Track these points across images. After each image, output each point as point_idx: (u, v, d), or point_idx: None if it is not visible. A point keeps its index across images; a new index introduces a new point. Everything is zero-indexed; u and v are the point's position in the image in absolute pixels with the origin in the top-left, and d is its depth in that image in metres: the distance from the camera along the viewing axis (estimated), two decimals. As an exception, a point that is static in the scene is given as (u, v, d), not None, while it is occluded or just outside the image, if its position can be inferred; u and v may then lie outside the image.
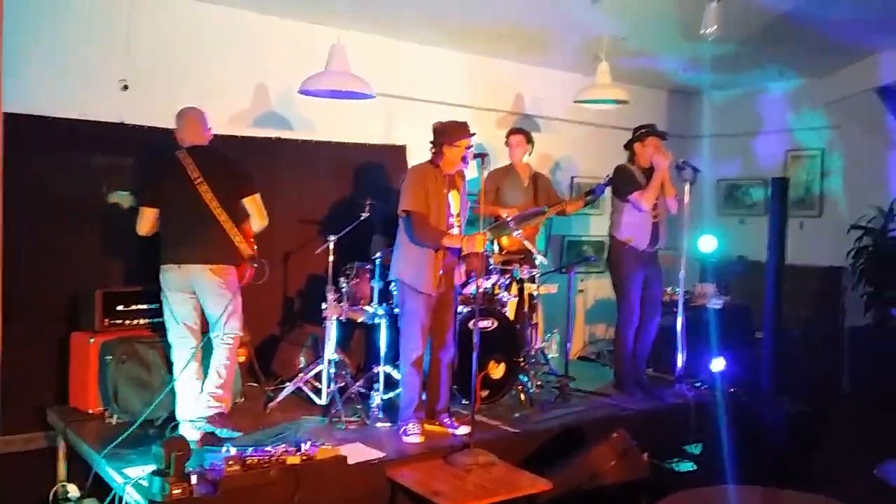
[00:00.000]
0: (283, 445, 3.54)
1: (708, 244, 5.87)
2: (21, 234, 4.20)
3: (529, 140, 5.75)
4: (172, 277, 4.07)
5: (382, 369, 4.68)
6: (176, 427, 4.10)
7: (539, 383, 5.37)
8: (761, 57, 6.56)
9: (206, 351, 4.15)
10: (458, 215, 4.37)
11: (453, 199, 4.33)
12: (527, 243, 5.29)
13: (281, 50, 5.57)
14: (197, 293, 4.10)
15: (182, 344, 4.10)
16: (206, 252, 4.05)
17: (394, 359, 4.72)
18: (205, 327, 4.18)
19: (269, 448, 3.47)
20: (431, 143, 4.26)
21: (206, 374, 4.12)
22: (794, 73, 7.23)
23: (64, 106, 4.73)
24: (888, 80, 6.36)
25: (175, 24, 5.16)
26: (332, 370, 4.73)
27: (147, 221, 4.10)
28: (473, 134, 4.25)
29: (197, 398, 4.06)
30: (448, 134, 4.20)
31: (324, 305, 4.75)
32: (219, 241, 4.07)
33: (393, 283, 4.53)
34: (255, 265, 4.16)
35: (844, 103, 7.01)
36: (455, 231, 4.30)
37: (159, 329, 4.55)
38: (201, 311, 4.14)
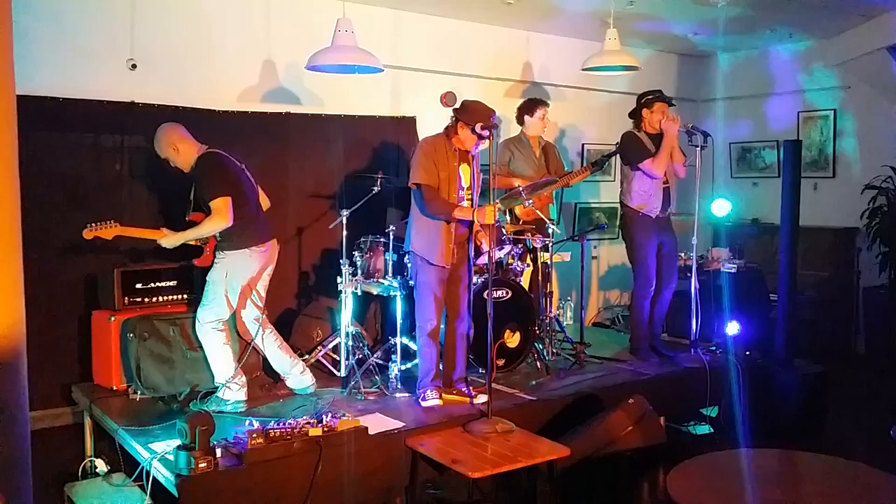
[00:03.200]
0: (305, 417, 3.59)
1: (721, 208, 5.84)
2: (37, 215, 4.25)
3: None
4: (261, 256, 4.24)
5: (399, 340, 4.72)
6: (204, 399, 4.22)
7: (555, 351, 5.40)
8: (772, 18, 6.48)
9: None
10: (469, 188, 4.36)
11: (464, 172, 4.30)
12: (539, 213, 5.30)
13: (287, 24, 5.55)
14: (268, 269, 4.38)
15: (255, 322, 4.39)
16: (273, 228, 4.44)
17: (410, 330, 4.76)
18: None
19: (290, 420, 3.52)
20: (453, 115, 4.23)
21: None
22: (804, 34, 7.14)
23: (73, 86, 4.74)
24: (901, 38, 6.29)
25: (180, 1, 5.14)
26: (350, 342, 4.79)
27: (230, 211, 4.08)
28: (495, 125, 4.15)
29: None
30: (468, 114, 4.15)
31: (339, 279, 4.79)
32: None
33: (407, 256, 4.56)
34: None
35: (856, 63, 6.93)
36: (465, 204, 4.30)
37: (179, 305, 4.64)
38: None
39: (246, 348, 4.40)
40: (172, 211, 4.68)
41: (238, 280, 4.19)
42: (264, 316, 4.42)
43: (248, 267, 4.21)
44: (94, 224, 4.11)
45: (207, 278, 4.21)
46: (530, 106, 5.67)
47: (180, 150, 4.19)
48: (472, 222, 4.25)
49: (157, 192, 5.01)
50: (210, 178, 4.11)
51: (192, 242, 4.25)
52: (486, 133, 4.10)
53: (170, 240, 4.17)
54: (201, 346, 4.29)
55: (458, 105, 4.18)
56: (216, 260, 4.21)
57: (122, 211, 4.88)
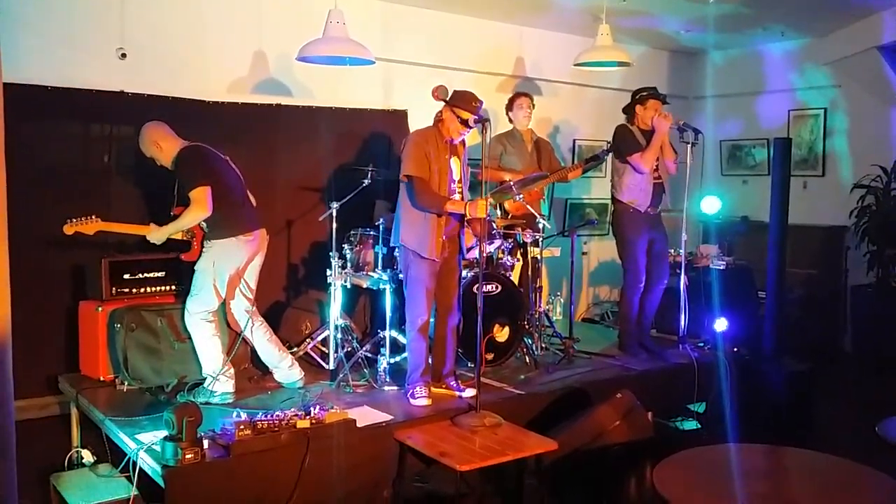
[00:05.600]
0: (293, 410, 3.59)
1: (711, 205, 5.86)
2: (24, 205, 4.20)
3: (533, 104, 5.74)
4: (248, 245, 4.22)
5: (388, 334, 4.71)
6: (191, 390, 4.22)
7: (544, 346, 5.41)
8: (763, 16, 6.50)
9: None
10: (460, 181, 4.36)
11: (455, 164, 4.31)
12: (529, 207, 5.30)
13: (278, 15, 5.52)
14: (257, 259, 4.34)
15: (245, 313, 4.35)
16: (262, 218, 4.42)
17: (399, 323, 4.76)
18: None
19: (279, 412, 3.52)
20: (446, 104, 4.22)
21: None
22: (796, 33, 7.16)
23: (62, 75, 4.70)
24: (891, 38, 6.30)
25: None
26: (339, 335, 4.78)
27: (208, 201, 4.07)
28: (479, 117, 4.11)
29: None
30: (454, 99, 4.16)
31: (328, 272, 4.78)
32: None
33: (396, 250, 4.57)
34: None
35: (847, 62, 6.96)
36: (457, 197, 4.30)
37: (167, 296, 4.62)
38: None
39: (236, 340, 4.39)
40: (160, 201, 4.65)
41: (225, 269, 4.17)
42: (254, 308, 4.41)
43: (235, 256, 4.20)
44: (74, 219, 4.11)
45: (195, 268, 4.21)
46: (510, 100, 5.76)
47: (163, 147, 4.20)
48: (462, 216, 4.25)
49: (145, 183, 4.98)
50: (189, 170, 4.12)
51: (180, 236, 4.24)
52: (475, 125, 4.09)
53: (155, 235, 4.19)
54: (189, 337, 4.28)
55: (447, 98, 4.18)
56: (204, 249, 4.21)
57: (110, 201, 4.86)
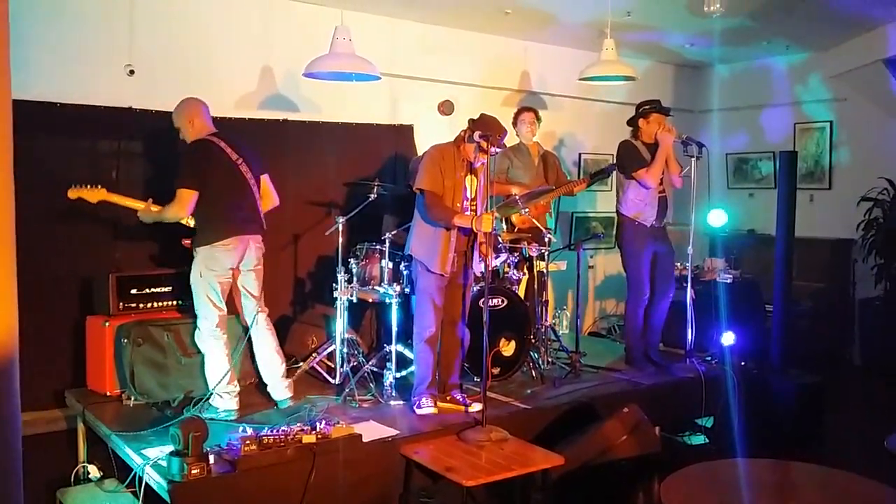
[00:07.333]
0: (299, 425, 3.58)
1: (717, 218, 5.85)
2: (32, 221, 4.24)
3: (539, 118, 5.76)
4: (227, 254, 4.17)
5: (394, 348, 4.71)
6: (197, 405, 4.21)
7: (550, 360, 5.39)
8: (768, 30, 6.52)
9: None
10: (474, 200, 4.36)
11: (470, 183, 4.32)
12: (535, 221, 5.30)
13: (285, 32, 5.57)
14: (243, 268, 4.27)
15: (222, 327, 4.24)
16: (256, 224, 4.31)
17: (406, 338, 4.76)
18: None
19: (284, 427, 3.51)
20: (469, 124, 4.25)
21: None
22: (801, 46, 7.17)
23: (72, 92, 4.75)
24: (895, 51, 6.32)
25: (178, 7, 5.15)
26: (345, 350, 4.78)
27: (190, 205, 4.11)
28: (500, 146, 4.17)
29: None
30: (478, 125, 4.18)
31: (335, 286, 4.78)
32: (259, 214, 4.34)
33: (404, 262, 4.58)
34: None
35: (852, 75, 6.97)
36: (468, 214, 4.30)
37: (174, 311, 4.62)
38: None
39: (245, 353, 4.40)
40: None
41: (213, 276, 4.14)
42: (265, 316, 4.39)
43: (216, 263, 4.15)
44: (80, 185, 4.13)
45: (190, 282, 4.20)
46: (515, 114, 5.78)
47: (195, 125, 4.23)
48: (474, 232, 4.26)
49: (153, 196, 5.00)
50: (185, 166, 4.14)
51: (185, 223, 4.28)
52: (482, 142, 4.09)
53: (144, 215, 4.27)
54: (196, 352, 4.28)
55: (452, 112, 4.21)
56: (194, 258, 4.20)
57: (117, 215, 4.88)
